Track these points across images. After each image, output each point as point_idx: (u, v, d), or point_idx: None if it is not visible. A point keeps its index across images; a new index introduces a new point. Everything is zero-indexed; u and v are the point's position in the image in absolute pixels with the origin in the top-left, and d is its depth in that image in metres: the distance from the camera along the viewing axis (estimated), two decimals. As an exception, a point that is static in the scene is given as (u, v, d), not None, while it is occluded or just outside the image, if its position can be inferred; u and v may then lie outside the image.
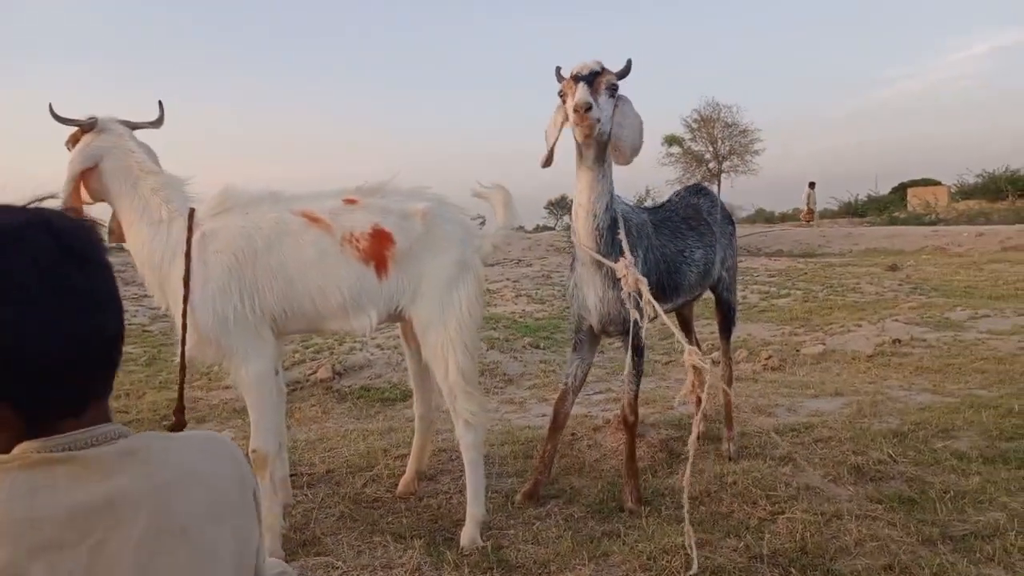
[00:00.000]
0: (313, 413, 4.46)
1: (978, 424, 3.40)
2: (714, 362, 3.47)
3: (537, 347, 5.86)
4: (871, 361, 5.06)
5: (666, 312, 2.99)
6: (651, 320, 2.64)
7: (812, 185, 21.51)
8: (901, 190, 28.46)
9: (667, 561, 2.22)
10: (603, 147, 2.48)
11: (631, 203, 2.74)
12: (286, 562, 2.28)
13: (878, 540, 2.31)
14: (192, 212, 2.31)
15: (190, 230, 2.26)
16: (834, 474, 2.90)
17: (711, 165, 30.32)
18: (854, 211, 25.53)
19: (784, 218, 28.02)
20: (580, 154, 2.50)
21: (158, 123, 2.48)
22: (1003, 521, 2.40)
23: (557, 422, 2.90)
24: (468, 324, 2.51)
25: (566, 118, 2.46)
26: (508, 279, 10.87)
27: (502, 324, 6.81)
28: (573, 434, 3.65)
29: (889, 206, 24.62)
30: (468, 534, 2.42)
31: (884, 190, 30.70)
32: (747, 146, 30.61)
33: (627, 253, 2.48)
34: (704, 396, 2.24)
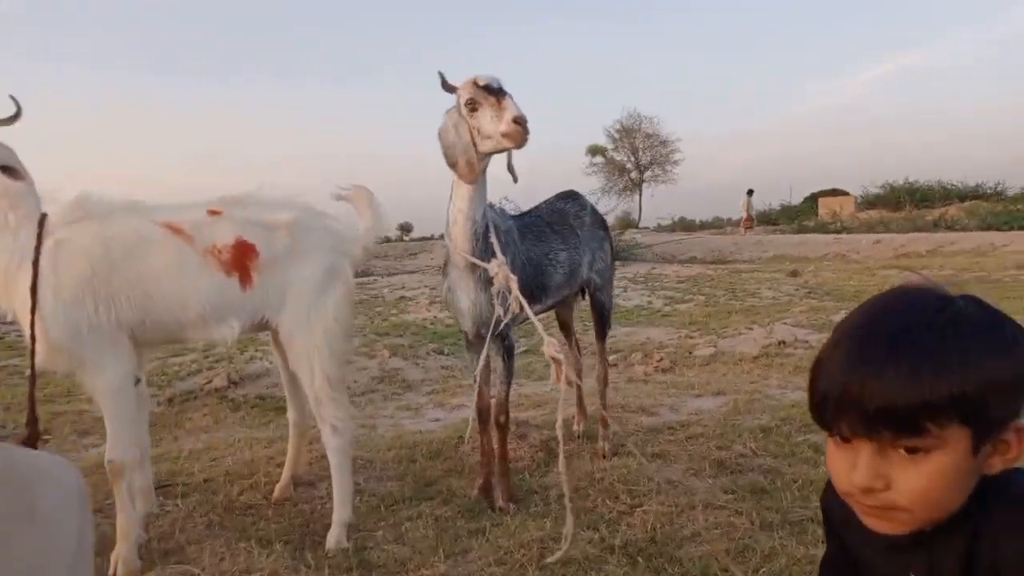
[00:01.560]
0: (205, 423, 4.40)
1: (838, 418, 3.64)
2: (569, 383, 3.59)
3: (441, 353, 5.91)
4: (755, 362, 5.32)
5: (539, 312, 3.10)
6: (516, 320, 2.75)
7: (750, 192, 22.28)
8: (812, 200, 29.75)
9: (521, 554, 2.31)
10: (488, 158, 2.58)
11: (498, 209, 2.83)
12: (144, 571, 2.28)
13: (721, 527, 2.45)
14: (44, 218, 2.28)
15: (40, 237, 2.23)
16: (696, 468, 3.06)
17: (632, 175, 31.23)
18: (767, 220, 26.58)
19: (703, 225, 28.94)
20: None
21: (13, 119, 2.43)
22: (838, 506, 2.58)
23: (482, 416, 2.97)
24: (335, 331, 2.55)
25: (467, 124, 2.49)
26: (426, 286, 10.92)
27: (410, 331, 6.85)
28: (460, 438, 3.72)
29: (800, 215, 25.70)
30: (334, 536, 2.46)
31: (797, 200, 32.01)
32: (667, 156, 31.67)
33: (499, 254, 2.57)
34: (563, 385, 2.33)
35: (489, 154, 2.51)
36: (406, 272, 14.28)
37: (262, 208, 2.57)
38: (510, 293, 2.47)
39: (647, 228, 23.86)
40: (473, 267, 2.63)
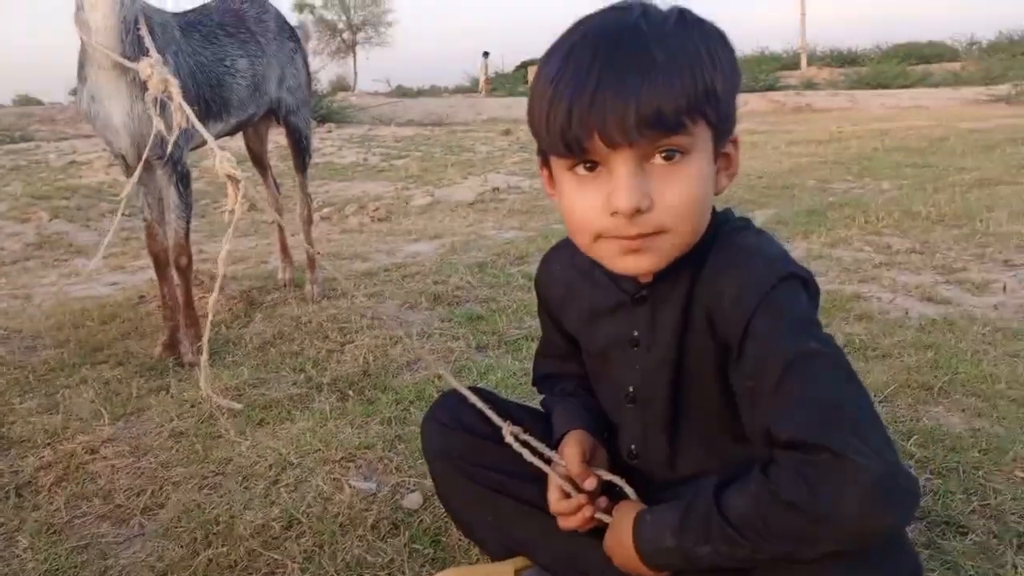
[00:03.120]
0: None
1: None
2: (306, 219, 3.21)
3: (123, 214, 5.05)
4: (471, 208, 5.30)
5: (222, 135, 2.63)
6: (188, 138, 2.27)
7: (486, 55, 22.51)
8: (523, 68, 30.87)
9: (210, 404, 1.98)
10: None
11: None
12: None
13: (437, 353, 2.34)
14: None
15: None
16: (412, 303, 2.91)
17: (345, 35, 29.47)
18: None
19: (420, 93, 28.60)
20: None
21: None
22: (549, 322, 2.60)
23: (159, 262, 2.47)
24: None
25: None
26: (104, 150, 9.34)
27: (80, 194, 5.79)
28: (141, 296, 3.19)
29: (512, 81, 26.50)
30: (-48, 416, 1.92)
31: (509, 68, 33.03)
32: (380, 16, 30.31)
33: (153, 52, 2.03)
34: (238, 208, 1.91)
35: None
36: (80, 136, 12.15)
37: None
38: (171, 101, 1.96)
39: (364, 92, 22.87)
40: (125, 69, 2.08)
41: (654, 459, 1.05)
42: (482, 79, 23.10)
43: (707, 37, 0.85)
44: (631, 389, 1.03)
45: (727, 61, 0.85)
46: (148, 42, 2.02)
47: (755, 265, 0.89)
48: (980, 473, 1.52)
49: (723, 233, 0.93)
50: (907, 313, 2.56)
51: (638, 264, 0.88)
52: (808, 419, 0.79)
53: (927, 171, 5.81)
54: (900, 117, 10.94)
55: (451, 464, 1.20)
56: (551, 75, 0.84)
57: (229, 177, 1.88)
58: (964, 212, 4.10)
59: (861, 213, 4.22)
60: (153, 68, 2.01)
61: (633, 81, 0.79)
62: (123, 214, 5.00)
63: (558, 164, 0.89)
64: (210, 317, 1.90)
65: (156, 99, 2.07)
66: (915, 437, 1.68)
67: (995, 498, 1.43)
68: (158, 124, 2.09)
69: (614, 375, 1.05)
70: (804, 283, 0.89)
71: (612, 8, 0.88)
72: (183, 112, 2.02)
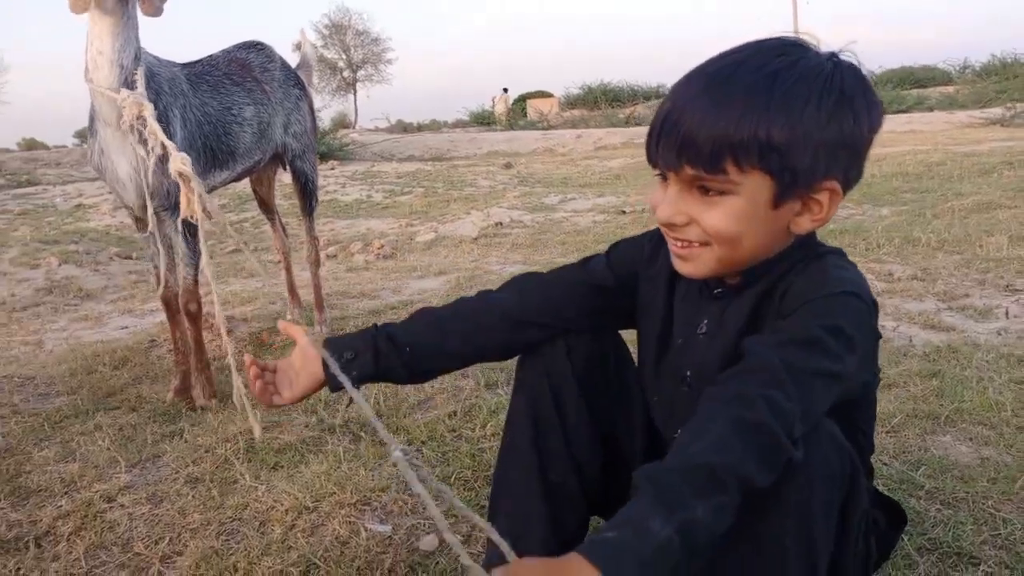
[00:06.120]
0: None
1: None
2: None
3: (128, 258, 5.12)
4: (475, 243, 5.35)
5: (228, 181, 2.68)
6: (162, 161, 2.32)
7: (505, 90, 25.16)
8: (522, 101, 31.22)
9: (225, 449, 2.01)
10: None
11: (157, 55, 2.31)
12: None
13: (447, 392, 2.36)
14: None
15: None
16: (420, 341, 2.94)
17: (345, 74, 29.91)
18: (481, 120, 27.27)
19: (420, 128, 28.91)
20: None
21: None
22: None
23: (170, 308, 2.52)
24: None
25: None
26: (110, 193, 9.46)
27: (88, 238, 5.86)
28: (152, 340, 3.22)
29: (512, 115, 26.76)
30: (-29, 466, 1.94)
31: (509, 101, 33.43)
32: (380, 55, 30.77)
33: (140, 87, 2.07)
34: (198, 211, 1.87)
35: None
36: (86, 180, 12.30)
37: None
38: (145, 127, 1.97)
39: (365, 129, 23.17)
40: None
41: None
42: (503, 110, 25.51)
43: (806, 91, 0.85)
44: (688, 374, 1.08)
45: (823, 121, 0.86)
46: (140, 86, 2.07)
47: (824, 277, 0.93)
48: (989, 503, 1.54)
49: (808, 257, 0.97)
50: (911, 341, 2.58)
51: (682, 268, 0.99)
52: (784, 355, 0.82)
53: (926, 196, 5.86)
54: (897, 142, 11.02)
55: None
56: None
57: (181, 175, 1.83)
58: (964, 237, 4.14)
59: (862, 240, 4.26)
60: (130, 95, 2.05)
61: (684, 114, 0.88)
62: (132, 258, 5.07)
63: None
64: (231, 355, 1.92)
65: (131, 126, 2.09)
66: (924, 468, 1.70)
67: (1005, 528, 1.44)
68: (139, 151, 2.14)
69: (673, 360, 1.11)
70: (869, 309, 0.92)
71: (756, 40, 0.92)
72: (158, 137, 2.05)
